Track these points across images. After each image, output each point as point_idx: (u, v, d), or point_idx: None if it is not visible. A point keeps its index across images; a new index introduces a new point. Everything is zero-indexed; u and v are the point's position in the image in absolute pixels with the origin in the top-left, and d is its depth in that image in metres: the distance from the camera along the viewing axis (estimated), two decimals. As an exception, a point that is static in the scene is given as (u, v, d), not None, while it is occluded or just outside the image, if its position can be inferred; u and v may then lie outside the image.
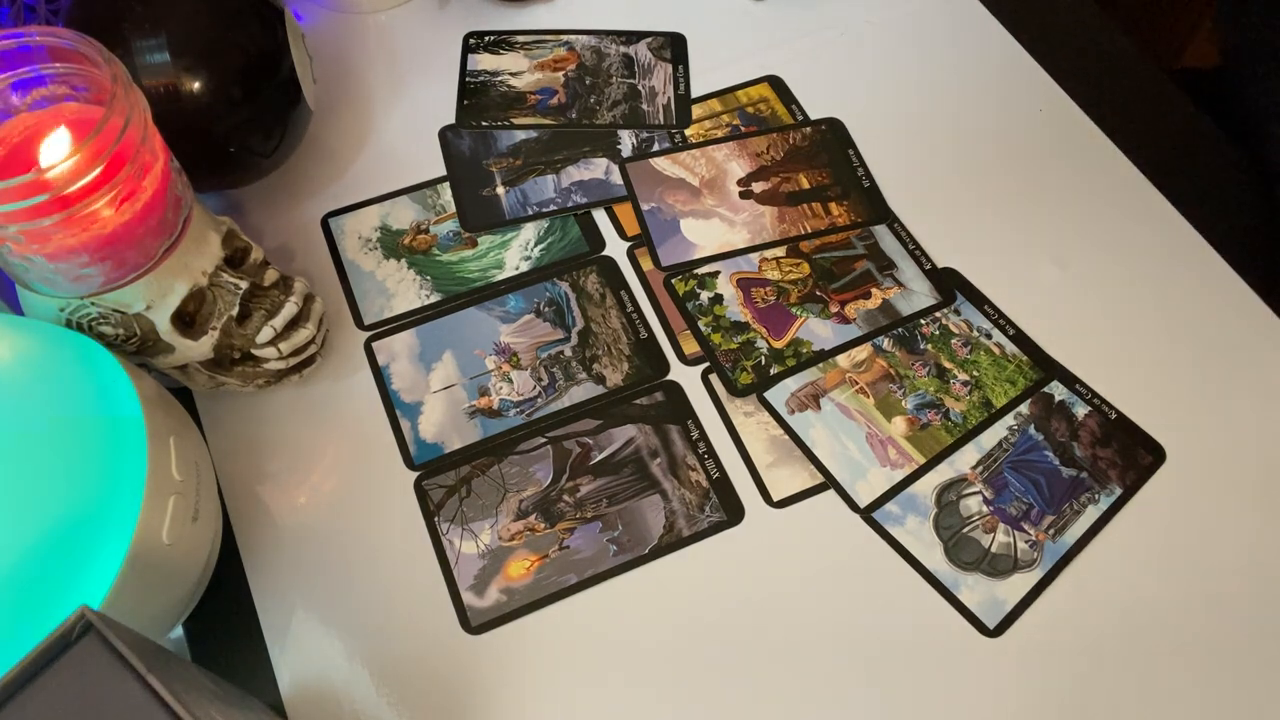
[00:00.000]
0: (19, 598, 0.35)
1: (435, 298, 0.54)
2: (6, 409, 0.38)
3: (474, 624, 0.45)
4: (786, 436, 0.49)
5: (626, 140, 0.59)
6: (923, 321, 0.53)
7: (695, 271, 0.54)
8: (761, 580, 0.46)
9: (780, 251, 0.55)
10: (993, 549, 0.47)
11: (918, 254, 0.55)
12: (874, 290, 0.53)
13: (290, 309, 0.48)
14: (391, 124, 0.60)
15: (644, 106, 0.60)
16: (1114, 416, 0.50)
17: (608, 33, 0.64)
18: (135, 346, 0.45)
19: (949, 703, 0.43)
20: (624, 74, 0.62)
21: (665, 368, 0.52)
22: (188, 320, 0.46)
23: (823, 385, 0.51)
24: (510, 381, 0.51)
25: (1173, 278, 0.54)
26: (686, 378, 0.51)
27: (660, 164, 0.58)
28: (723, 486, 0.48)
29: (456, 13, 0.65)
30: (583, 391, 0.51)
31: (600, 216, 0.57)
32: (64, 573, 0.36)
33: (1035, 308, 0.53)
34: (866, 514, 0.48)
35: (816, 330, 0.52)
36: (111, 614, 0.32)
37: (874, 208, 0.56)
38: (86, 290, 0.42)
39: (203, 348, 0.46)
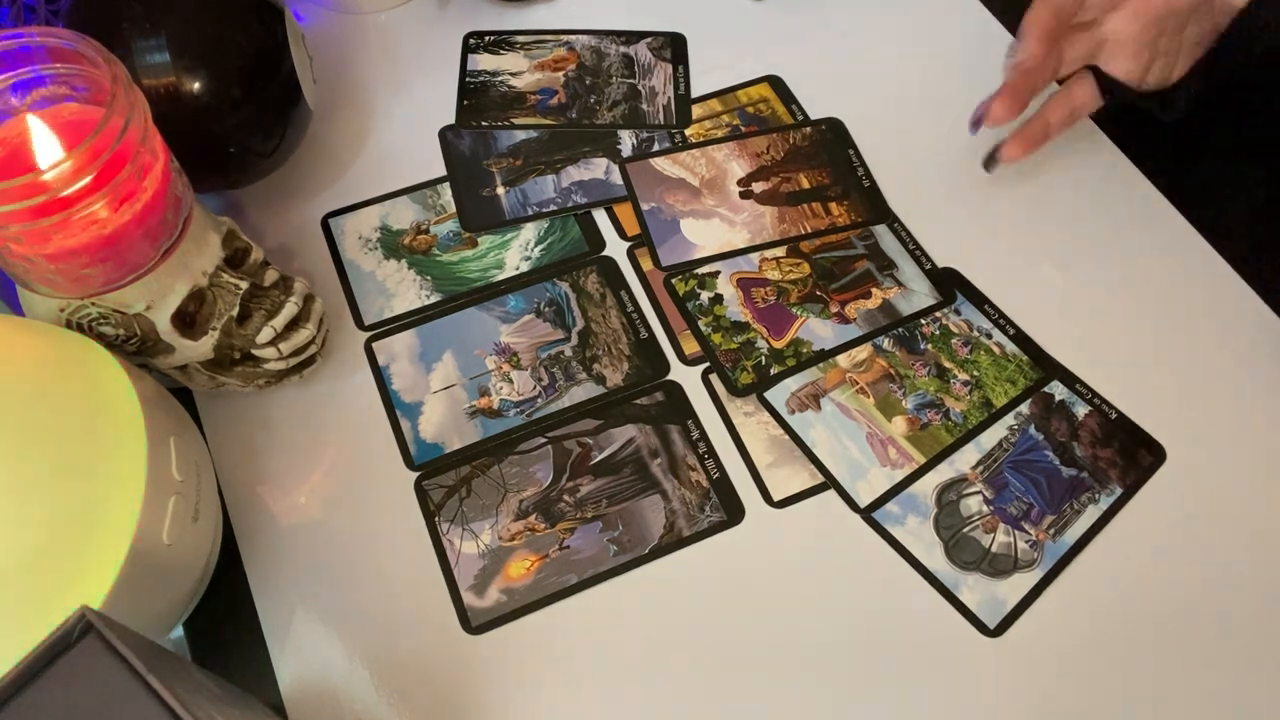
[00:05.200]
0: (19, 598, 0.35)
1: (435, 298, 0.54)
2: (6, 409, 0.38)
3: (474, 624, 0.45)
4: (786, 436, 0.49)
5: (626, 140, 0.59)
6: (923, 321, 0.53)
7: (695, 271, 0.54)
8: (761, 580, 0.46)
9: (780, 251, 0.55)
10: (993, 549, 0.47)
11: (918, 254, 0.55)
12: (874, 290, 0.53)
13: (290, 309, 0.48)
14: (391, 124, 0.60)
15: (644, 106, 0.60)
16: (1114, 416, 0.50)
17: (608, 33, 0.64)
18: (135, 346, 0.45)
19: (949, 703, 0.43)
20: (624, 74, 0.62)
21: (665, 368, 0.52)
22: (188, 320, 0.46)
23: (823, 385, 0.51)
24: (510, 381, 0.51)
25: (1173, 277, 0.54)
26: (686, 378, 0.51)
27: (660, 164, 0.58)
28: (723, 486, 0.48)
29: (456, 13, 0.65)
30: (583, 391, 0.51)
31: (600, 216, 0.57)
32: (64, 573, 0.36)
33: (1035, 308, 0.53)
34: (867, 514, 0.48)
35: (817, 330, 0.52)
36: (111, 614, 0.32)
37: (874, 208, 0.56)
38: (87, 290, 0.42)
39: (203, 348, 0.46)
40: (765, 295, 0.54)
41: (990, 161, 0.54)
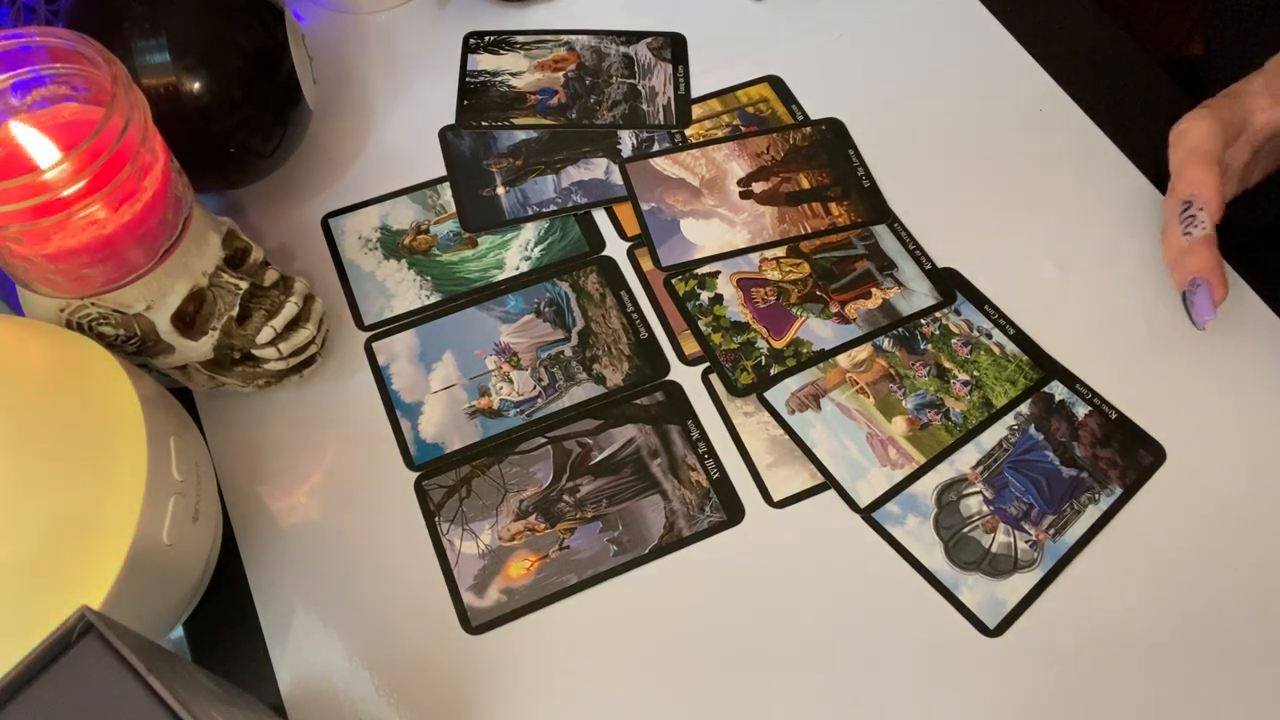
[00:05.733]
0: (19, 598, 0.35)
1: (435, 298, 0.54)
2: (6, 409, 0.38)
3: (474, 624, 0.45)
4: (786, 436, 0.49)
5: (626, 140, 0.59)
6: (923, 321, 0.53)
7: (695, 271, 0.54)
8: (761, 580, 0.46)
9: (780, 251, 0.55)
10: (993, 549, 0.47)
11: (918, 254, 0.55)
12: (874, 290, 0.53)
13: (290, 309, 0.48)
14: (391, 124, 0.61)
15: (644, 106, 0.60)
16: (1114, 416, 0.50)
17: (608, 33, 0.64)
18: (135, 347, 0.45)
19: (949, 702, 0.43)
20: (624, 74, 0.62)
21: (665, 368, 0.52)
22: (188, 320, 0.46)
23: (823, 385, 0.51)
24: (510, 381, 0.51)
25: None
26: (686, 378, 0.51)
27: (660, 164, 0.58)
28: (723, 486, 0.48)
29: (456, 13, 0.65)
30: (583, 391, 0.51)
31: (600, 216, 0.57)
32: (64, 573, 0.36)
33: (1035, 308, 0.53)
34: (867, 514, 0.48)
35: (817, 330, 0.52)
36: (111, 614, 0.32)
37: (874, 208, 0.56)
38: (87, 290, 0.42)
39: (203, 348, 0.46)
40: (765, 295, 0.54)
41: (1202, 319, 0.48)
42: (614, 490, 0.48)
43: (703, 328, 0.53)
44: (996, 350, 0.52)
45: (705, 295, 0.54)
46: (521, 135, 0.59)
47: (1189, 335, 0.52)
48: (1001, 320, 0.52)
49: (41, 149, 0.41)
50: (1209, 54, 0.65)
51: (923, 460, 0.49)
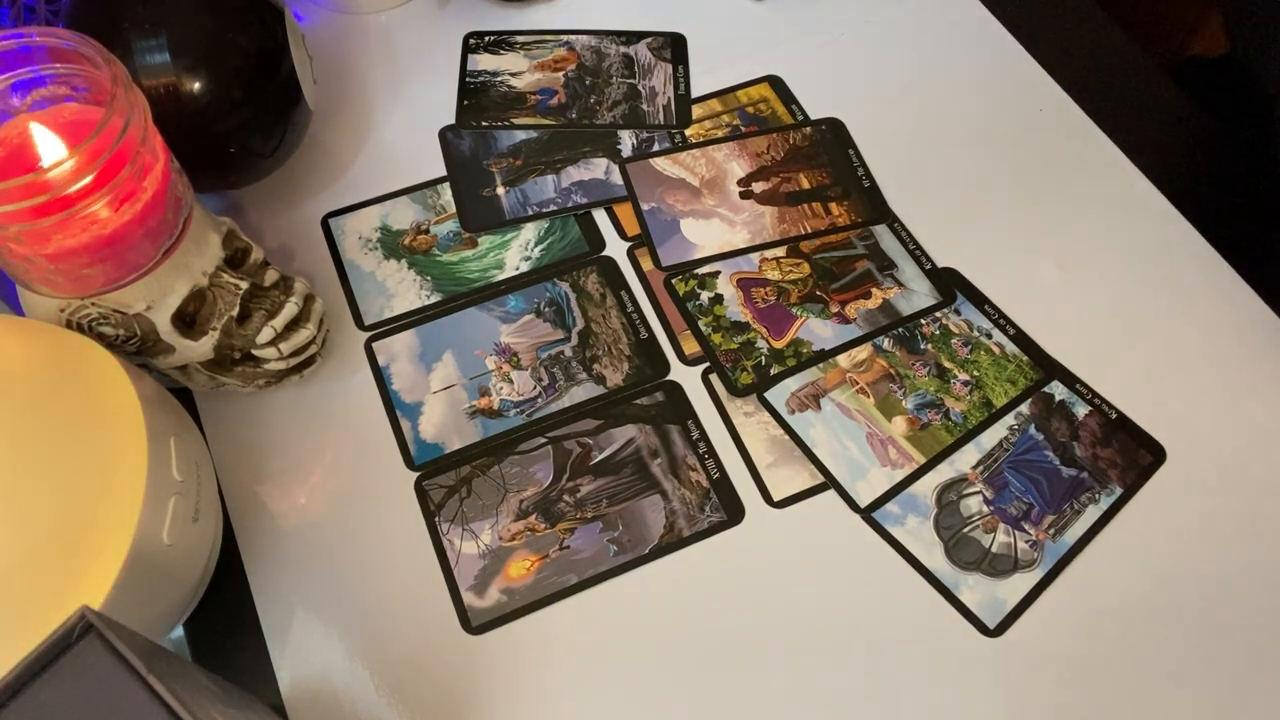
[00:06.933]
0: (19, 598, 0.35)
1: (435, 298, 0.54)
2: (6, 409, 0.38)
3: (474, 624, 0.45)
4: (787, 436, 0.49)
5: (626, 140, 0.59)
6: (923, 321, 0.53)
7: (695, 271, 0.54)
8: (761, 580, 0.46)
9: (780, 251, 0.55)
10: (993, 549, 0.47)
11: (918, 254, 0.55)
12: (874, 290, 0.53)
13: (290, 309, 0.48)
14: (391, 124, 0.61)
15: (644, 106, 0.60)
16: (1114, 416, 0.50)
17: (608, 33, 0.64)
18: (135, 347, 0.45)
19: (949, 703, 0.43)
20: (624, 74, 0.62)
21: (665, 368, 0.52)
22: (188, 320, 0.46)
23: (823, 385, 0.51)
24: (510, 382, 0.51)
25: (1173, 277, 0.54)
26: (687, 378, 0.51)
27: (660, 164, 0.58)
28: (723, 486, 0.48)
29: (456, 13, 0.65)
30: (583, 392, 0.51)
31: (600, 216, 0.57)
32: (64, 573, 0.36)
33: (1035, 308, 0.53)
34: (867, 514, 0.48)
35: (817, 330, 0.52)
36: (111, 614, 0.32)
37: (874, 208, 0.56)
38: (87, 290, 0.42)
39: (203, 348, 0.46)
40: (765, 295, 0.54)
41: None
42: (614, 490, 0.48)
43: (703, 328, 0.53)
44: (996, 350, 0.52)
45: (705, 295, 0.54)
46: (521, 135, 0.59)
47: (1189, 335, 0.52)
48: (1001, 320, 0.52)
49: (52, 148, 0.41)
50: (1234, 48, 0.64)
51: (923, 460, 0.49)
